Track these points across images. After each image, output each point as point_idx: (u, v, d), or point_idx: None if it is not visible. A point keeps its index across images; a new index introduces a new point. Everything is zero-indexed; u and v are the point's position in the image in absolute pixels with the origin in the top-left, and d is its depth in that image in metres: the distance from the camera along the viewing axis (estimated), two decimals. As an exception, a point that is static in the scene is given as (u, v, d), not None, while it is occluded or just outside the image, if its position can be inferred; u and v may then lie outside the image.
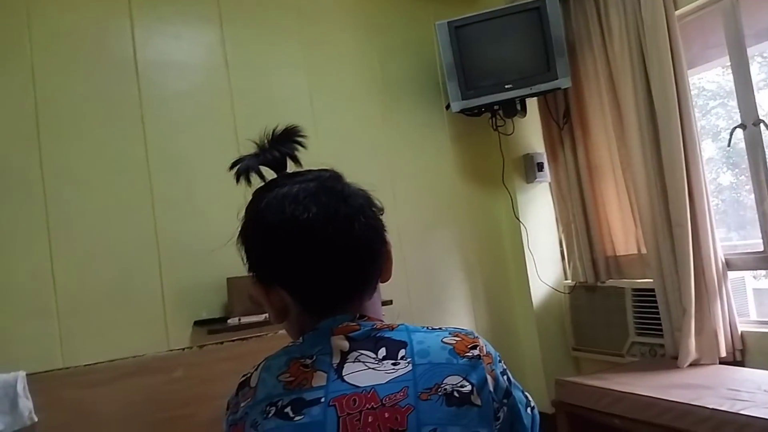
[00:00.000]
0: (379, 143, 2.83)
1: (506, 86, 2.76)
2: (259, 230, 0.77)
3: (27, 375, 1.41)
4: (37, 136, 2.16)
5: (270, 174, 0.85)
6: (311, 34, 2.75)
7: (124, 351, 2.14)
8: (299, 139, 0.86)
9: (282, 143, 0.86)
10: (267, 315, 2.26)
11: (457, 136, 3.08)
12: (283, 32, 2.69)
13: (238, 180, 0.84)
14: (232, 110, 2.52)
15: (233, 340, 1.56)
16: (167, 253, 2.33)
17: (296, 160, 0.86)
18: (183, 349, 1.55)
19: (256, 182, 0.84)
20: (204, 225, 2.39)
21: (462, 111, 2.85)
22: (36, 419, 1.33)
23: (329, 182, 0.79)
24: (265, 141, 0.86)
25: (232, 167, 0.85)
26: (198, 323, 2.32)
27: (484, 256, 3.06)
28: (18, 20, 2.17)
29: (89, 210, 2.22)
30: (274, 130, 0.87)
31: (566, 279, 3.07)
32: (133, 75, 2.35)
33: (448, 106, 2.90)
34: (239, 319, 2.26)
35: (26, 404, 1.34)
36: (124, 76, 2.33)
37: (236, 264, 2.44)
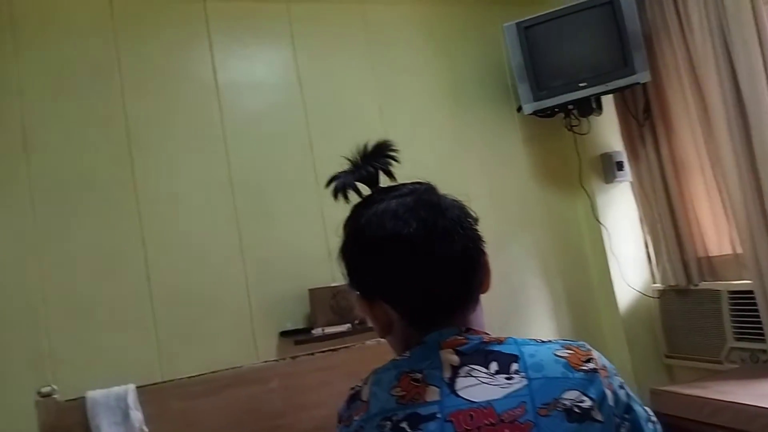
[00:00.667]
0: (449, 151, 2.82)
1: (580, 84, 2.68)
2: (360, 247, 0.79)
3: (136, 387, 1.49)
4: (130, 157, 2.31)
5: (365, 189, 0.86)
6: (378, 45, 2.79)
7: (216, 362, 2.24)
8: (392, 153, 0.88)
9: (375, 158, 0.87)
10: (350, 325, 2.31)
11: (529, 138, 3.02)
12: (351, 46, 2.74)
13: (336, 196, 0.86)
14: (307, 126, 2.59)
15: (323, 351, 1.60)
16: (252, 267, 2.42)
17: (390, 175, 0.87)
18: (277, 360, 1.60)
19: (350, 198, 0.86)
20: (284, 238, 2.47)
21: (534, 113, 2.80)
22: (146, 430, 1.42)
23: (425, 195, 0.80)
24: (359, 157, 0.88)
25: (328, 184, 0.88)
26: (284, 334, 2.40)
27: (563, 261, 2.97)
28: (108, 54, 2.33)
29: (180, 226, 2.34)
30: (365, 146, 0.88)
31: (654, 282, 2.93)
32: (214, 97, 2.47)
33: (519, 109, 2.85)
34: (323, 330, 2.31)
35: (137, 416, 1.43)
36: (206, 99, 2.45)
37: (317, 275, 2.52)
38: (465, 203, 0.82)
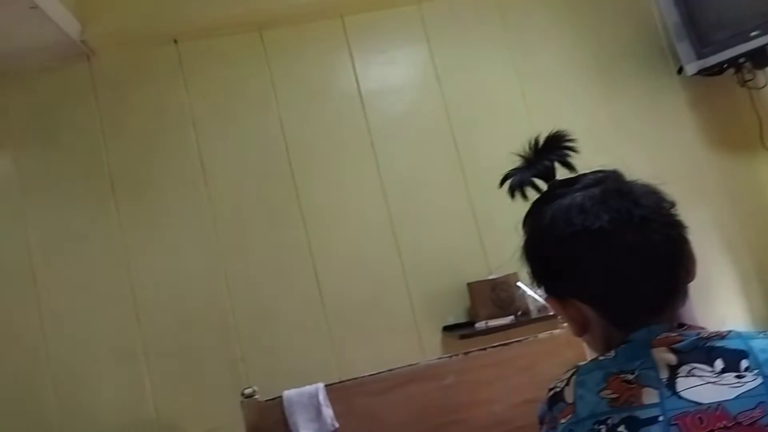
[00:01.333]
0: (602, 127, 2.64)
1: (752, 33, 2.36)
2: (547, 245, 0.76)
3: (325, 386, 1.61)
4: (291, 174, 2.49)
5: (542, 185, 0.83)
6: (515, 29, 2.69)
7: (384, 359, 2.34)
8: (569, 143, 0.83)
9: (551, 151, 0.84)
10: (513, 317, 2.27)
11: (694, 101, 2.72)
12: (487, 35, 2.68)
13: (512, 195, 0.84)
14: (449, 123, 2.59)
15: (495, 346, 1.58)
16: (410, 264, 2.48)
17: (570, 166, 0.83)
18: (450, 356, 1.62)
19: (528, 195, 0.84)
20: (438, 235, 2.50)
21: (699, 72, 2.51)
22: (337, 425, 1.52)
23: (613, 184, 0.75)
24: (532, 151, 0.85)
25: (502, 183, 0.86)
26: (446, 329, 2.43)
27: (751, 234, 2.63)
28: (263, 79, 2.54)
29: (341, 234, 2.48)
30: (537, 140, 0.85)
31: None
32: (358, 106, 2.57)
33: (680, 71, 2.58)
34: (486, 323, 2.30)
35: (328, 412, 1.54)
36: (351, 108, 2.56)
37: (473, 269, 2.50)
38: (659, 187, 0.76)
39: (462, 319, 2.46)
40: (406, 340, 2.43)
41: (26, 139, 2.42)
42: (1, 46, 2.25)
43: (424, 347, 2.43)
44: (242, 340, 2.37)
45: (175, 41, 2.51)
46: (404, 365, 1.59)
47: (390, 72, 2.63)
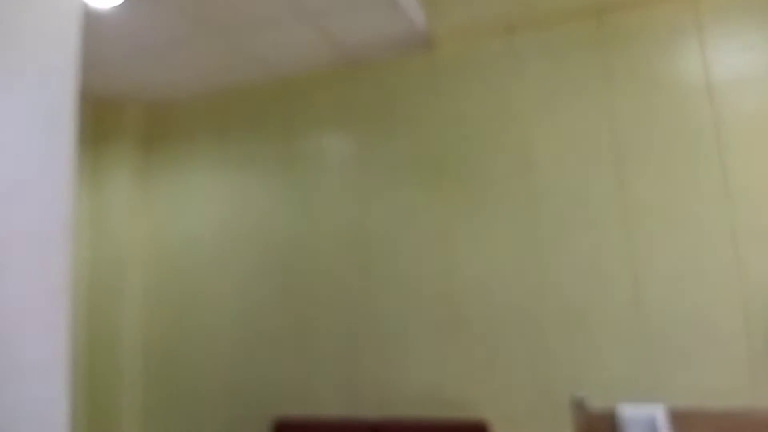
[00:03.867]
0: None
1: None
2: None
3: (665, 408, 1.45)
4: (618, 171, 2.32)
5: None
6: None
7: (707, 389, 2.07)
8: None
9: None
10: None
11: None
12: None
13: None
14: (824, 119, 2.11)
15: None
16: (752, 284, 2.12)
17: None
18: None
19: None
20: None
21: None
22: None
23: None
24: None
25: None
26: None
27: None
28: (599, 70, 2.40)
29: (671, 238, 2.22)
30: None
31: None
32: (704, 98, 2.25)
33: None
34: None
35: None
36: (695, 101, 2.26)
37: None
38: None
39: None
40: (737, 371, 2.10)
41: (369, 123, 2.72)
42: (358, 38, 2.55)
43: (760, 384, 2.06)
44: (548, 339, 2.32)
45: (511, 32, 2.53)
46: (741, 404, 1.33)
47: (747, 60, 2.25)
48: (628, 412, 1.50)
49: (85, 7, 2.15)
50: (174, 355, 2.88)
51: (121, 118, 3.05)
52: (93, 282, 2.92)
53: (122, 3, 2.14)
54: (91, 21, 2.23)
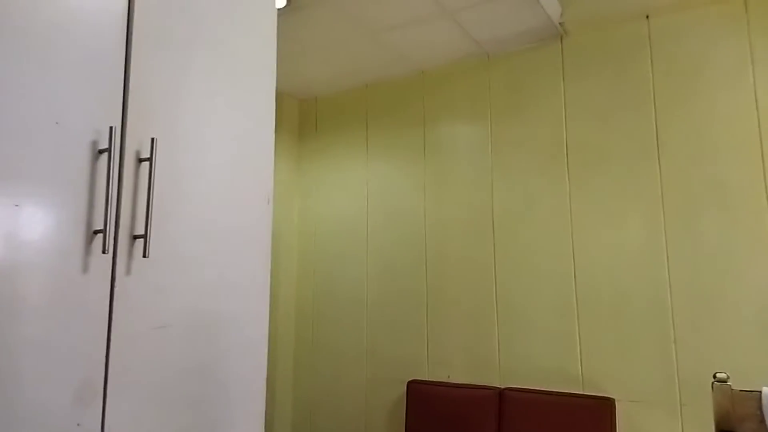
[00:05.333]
0: None
1: None
2: None
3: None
4: (761, 156, 2.23)
5: None
6: None
7: None
8: None
9: None
10: None
11: None
12: None
13: None
14: None
15: None
16: None
17: None
18: None
19: None
20: None
21: None
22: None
23: None
24: None
25: None
26: None
27: None
28: (740, 54, 2.32)
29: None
30: None
31: None
32: None
33: None
34: None
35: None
36: None
37: None
38: None
39: None
40: None
41: (501, 111, 2.85)
42: (494, 33, 2.68)
43: None
44: (677, 322, 2.31)
45: (647, 16, 2.52)
46: None
47: None
48: (770, 394, 1.49)
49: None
50: (321, 320, 3.24)
51: (281, 112, 3.45)
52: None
53: (285, 6, 2.45)
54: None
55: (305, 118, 3.55)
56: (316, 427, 3.18)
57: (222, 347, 1.21)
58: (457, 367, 2.78)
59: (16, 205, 0.88)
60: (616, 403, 2.36)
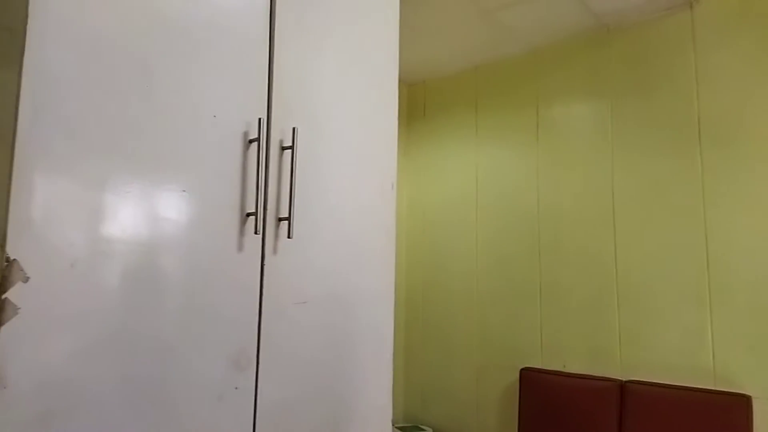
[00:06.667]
0: None
1: None
2: None
3: None
4: None
5: None
6: None
7: None
8: None
9: None
10: None
11: None
12: None
13: None
14: None
15: None
16: None
17: None
18: None
19: None
20: None
21: None
22: None
23: None
24: None
25: None
26: None
27: None
28: None
29: None
30: None
31: None
32: None
33: None
34: None
35: None
36: None
37: None
38: None
39: None
40: None
41: (623, 87, 2.70)
42: (619, 3, 2.53)
43: None
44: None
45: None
46: None
47: None
48: None
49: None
50: (431, 303, 3.28)
51: (390, 98, 3.50)
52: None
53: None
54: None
55: (413, 102, 3.57)
56: (428, 413, 3.24)
57: (354, 322, 1.27)
58: (573, 356, 2.70)
59: (184, 191, 0.98)
60: (753, 400, 2.18)
